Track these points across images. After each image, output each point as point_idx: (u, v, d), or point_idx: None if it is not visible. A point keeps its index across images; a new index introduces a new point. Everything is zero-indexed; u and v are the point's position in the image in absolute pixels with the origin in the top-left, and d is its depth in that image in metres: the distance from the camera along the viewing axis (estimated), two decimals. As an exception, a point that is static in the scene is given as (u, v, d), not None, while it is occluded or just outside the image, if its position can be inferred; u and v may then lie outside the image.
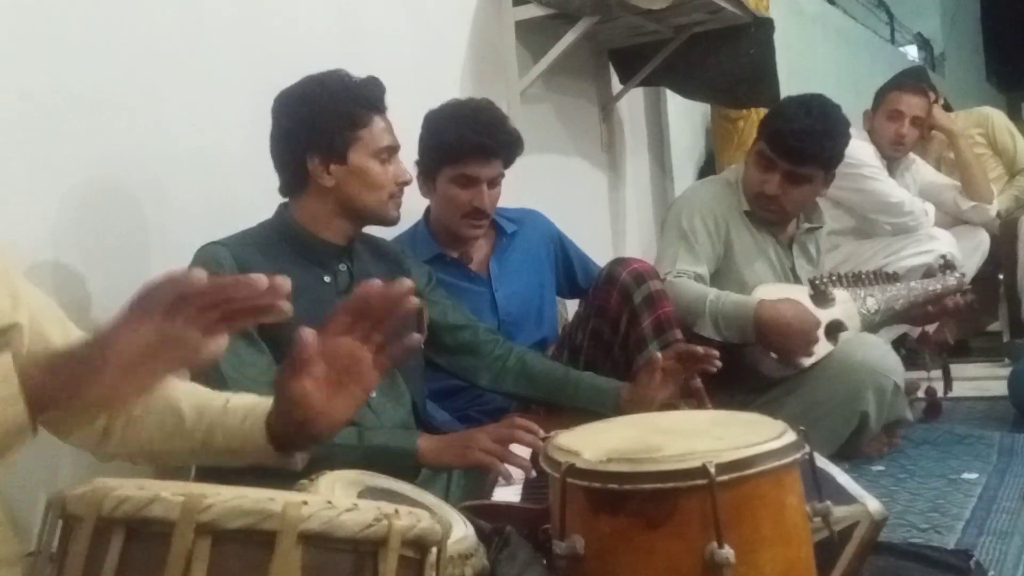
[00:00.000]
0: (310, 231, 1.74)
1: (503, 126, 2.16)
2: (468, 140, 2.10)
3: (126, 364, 0.82)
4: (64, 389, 0.86)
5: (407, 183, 1.76)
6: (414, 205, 2.28)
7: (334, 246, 1.76)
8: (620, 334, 2.08)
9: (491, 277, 2.27)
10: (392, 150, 1.74)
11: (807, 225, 2.62)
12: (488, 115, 2.16)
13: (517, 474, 1.60)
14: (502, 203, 2.30)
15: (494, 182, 2.16)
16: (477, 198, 2.13)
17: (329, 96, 1.69)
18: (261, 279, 0.85)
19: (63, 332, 1.19)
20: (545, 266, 2.39)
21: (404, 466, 1.58)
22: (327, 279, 1.74)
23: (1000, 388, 2.95)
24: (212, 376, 1.54)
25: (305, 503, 0.70)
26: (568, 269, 2.42)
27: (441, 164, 2.14)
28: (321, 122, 1.69)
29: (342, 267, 1.77)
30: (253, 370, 1.57)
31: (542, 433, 1.56)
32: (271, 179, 1.88)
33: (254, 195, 1.95)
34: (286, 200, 1.78)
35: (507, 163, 2.18)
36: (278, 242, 1.72)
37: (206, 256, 1.62)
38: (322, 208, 1.74)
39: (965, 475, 2.23)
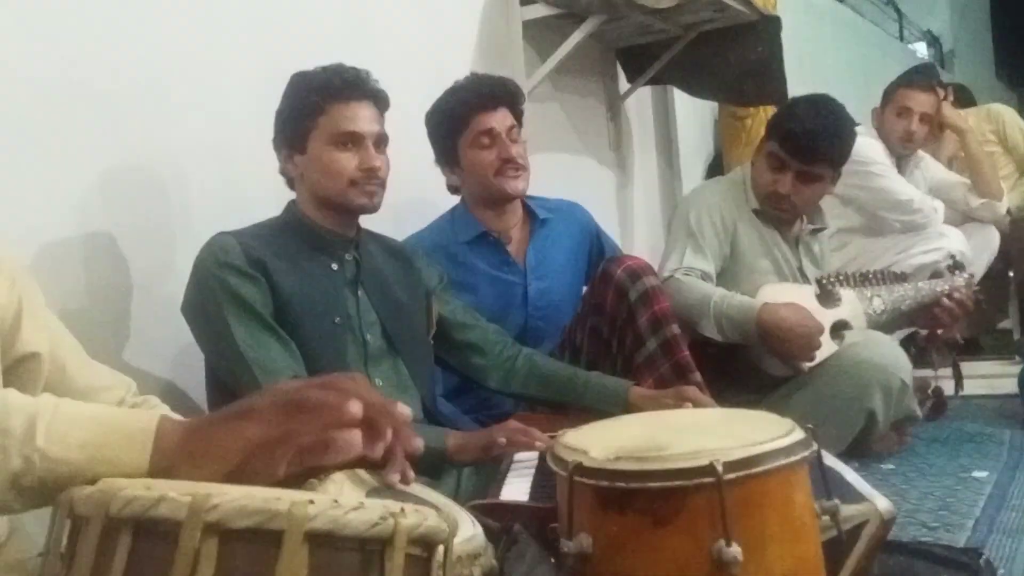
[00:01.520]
0: (315, 221, 1.76)
1: (495, 78, 2.22)
2: (468, 99, 2.15)
3: (247, 452, 0.83)
4: (189, 457, 0.83)
5: (372, 169, 1.71)
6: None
7: (340, 235, 1.78)
8: (618, 331, 2.08)
9: (527, 268, 2.27)
10: (354, 136, 1.71)
11: (811, 226, 2.63)
12: (476, 76, 2.22)
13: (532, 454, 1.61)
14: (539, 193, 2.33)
15: (511, 133, 2.17)
16: (502, 149, 2.15)
17: (293, 90, 1.75)
18: (405, 411, 0.91)
19: (79, 362, 1.22)
20: (579, 261, 2.39)
21: (432, 464, 1.59)
22: (334, 267, 1.77)
23: (1011, 386, 2.94)
24: (236, 363, 1.59)
25: (311, 502, 0.70)
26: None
27: (455, 136, 2.17)
28: (284, 115, 1.76)
29: (348, 257, 1.79)
30: (271, 355, 1.60)
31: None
32: (272, 176, 1.90)
33: (265, 186, 1.98)
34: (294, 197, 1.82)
35: (514, 110, 2.20)
36: (285, 233, 1.75)
37: (215, 245, 1.66)
38: (308, 200, 1.77)
39: (975, 473, 2.23)
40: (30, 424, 0.81)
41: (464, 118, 2.15)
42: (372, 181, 1.73)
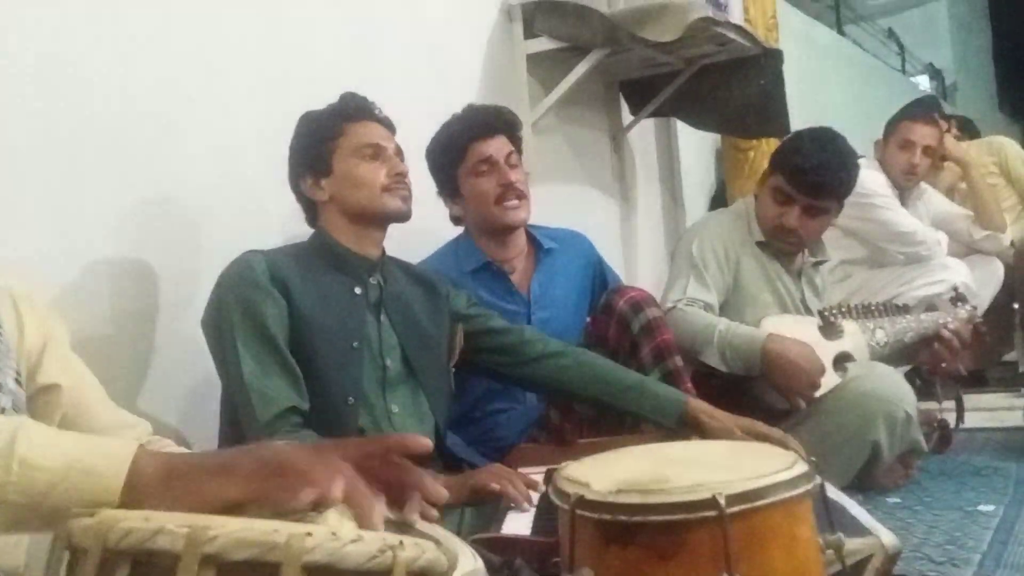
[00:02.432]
0: (341, 243, 1.79)
1: (491, 107, 2.25)
2: (465, 128, 2.18)
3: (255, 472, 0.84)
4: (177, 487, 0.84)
5: (402, 174, 1.80)
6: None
7: (365, 259, 1.80)
8: (621, 363, 2.07)
9: (531, 298, 2.26)
10: (377, 148, 1.79)
11: (812, 259, 2.64)
12: (472, 107, 2.25)
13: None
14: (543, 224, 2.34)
15: (509, 159, 2.18)
16: (501, 176, 2.16)
17: (306, 123, 1.83)
18: (380, 516, 0.91)
19: (99, 402, 1.27)
20: (583, 292, 2.38)
21: None
22: (358, 291, 1.78)
23: (1016, 419, 2.92)
24: (235, 381, 1.59)
25: (309, 534, 0.70)
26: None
27: (454, 165, 2.18)
28: (302, 146, 1.82)
29: (373, 280, 1.81)
30: (273, 383, 1.60)
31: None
32: (291, 204, 1.92)
33: (289, 221, 2.00)
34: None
35: (512, 138, 2.22)
36: (312, 255, 1.79)
37: (241, 262, 1.68)
38: (336, 222, 1.80)
39: (982, 507, 2.21)
40: (12, 436, 0.83)
41: (462, 147, 2.17)
42: (403, 186, 1.80)
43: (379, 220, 1.80)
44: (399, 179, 1.79)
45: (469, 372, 2.00)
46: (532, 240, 2.31)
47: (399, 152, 1.83)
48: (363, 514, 0.88)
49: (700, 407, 1.85)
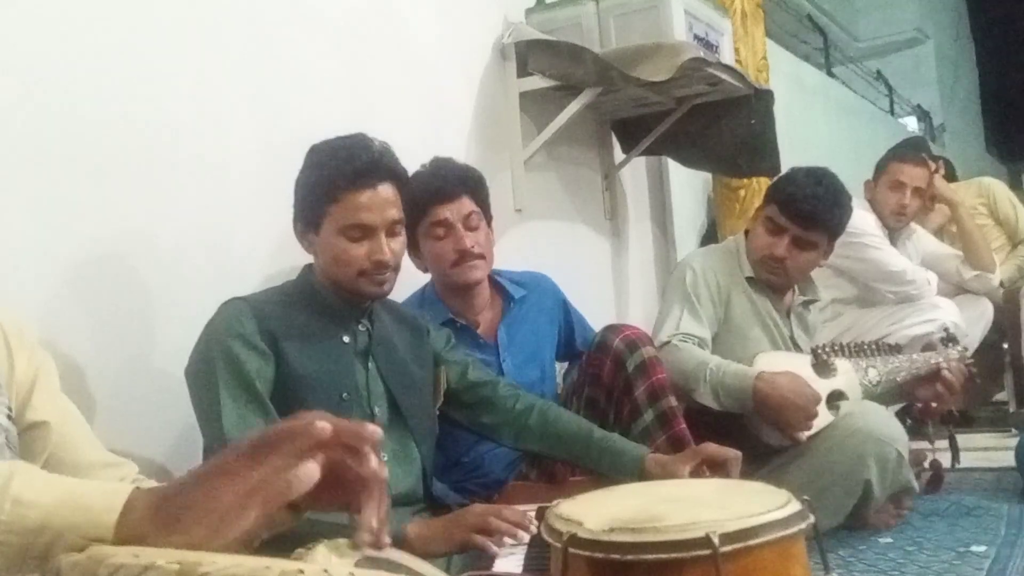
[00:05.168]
0: (329, 291, 1.74)
1: (454, 167, 2.16)
2: (425, 189, 2.07)
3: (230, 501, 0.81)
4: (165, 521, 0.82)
5: (380, 262, 1.69)
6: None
7: (352, 306, 1.76)
8: (615, 402, 2.06)
9: (499, 346, 2.23)
10: (365, 229, 1.67)
11: (803, 298, 2.65)
12: (437, 164, 2.15)
13: (509, 542, 1.56)
14: (506, 266, 2.30)
15: (468, 222, 2.12)
16: (457, 241, 2.10)
17: (317, 165, 1.70)
18: (375, 430, 0.91)
19: (86, 439, 1.25)
20: (551, 334, 2.36)
21: None
22: (346, 339, 1.74)
23: (1007, 458, 2.92)
24: (215, 433, 1.56)
25: (301, 572, 0.69)
26: (569, 335, 2.39)
27: (414, 225, 2.10)
28: (304, 191, 1.72)
29: (361, 327, 1.77)
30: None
31: (524, 536, 1.55)
32: (276, 243, 1.89)
33: (260, 260, 1.97)
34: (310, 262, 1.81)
35: (475, 197, 2.14)
36: (299, 300, 1.73)
37: (229, 313, 1.64)
38: (321, 271, 1.76)
39: (974, 548, 2.20)
40: (8, 478, 0.82)
41: (421, 208, 2.09)
42: (382, 271, 1.71)
43: (350, 296, 1.74)
44: (378, 267, 1.69)
45: (440, 419, 1.96)
46: (500, 289, 2.27)
47: (393, 225, 1.70)
48: (354, 432, 0.89)
49: (655, 461, 1.82)
